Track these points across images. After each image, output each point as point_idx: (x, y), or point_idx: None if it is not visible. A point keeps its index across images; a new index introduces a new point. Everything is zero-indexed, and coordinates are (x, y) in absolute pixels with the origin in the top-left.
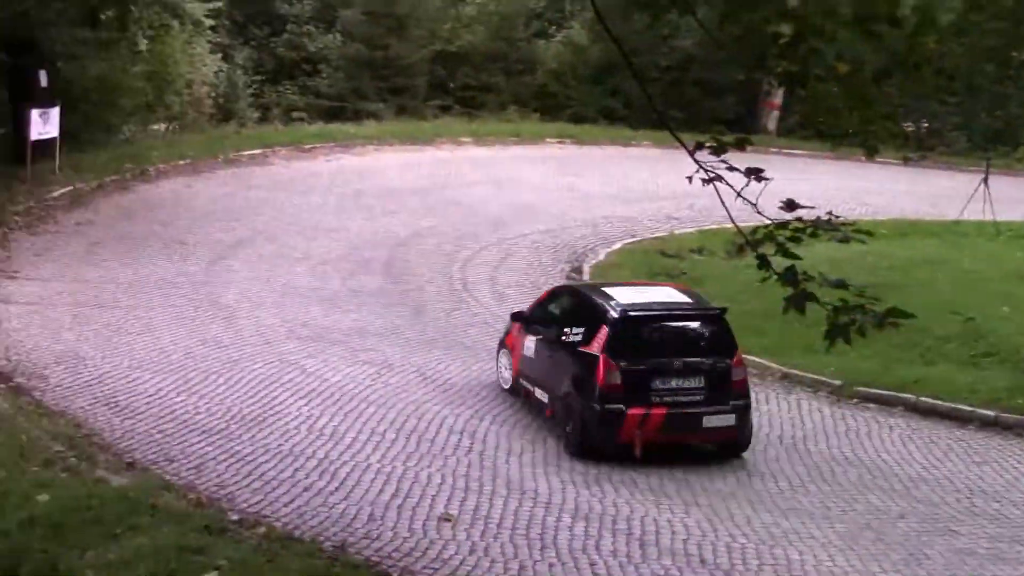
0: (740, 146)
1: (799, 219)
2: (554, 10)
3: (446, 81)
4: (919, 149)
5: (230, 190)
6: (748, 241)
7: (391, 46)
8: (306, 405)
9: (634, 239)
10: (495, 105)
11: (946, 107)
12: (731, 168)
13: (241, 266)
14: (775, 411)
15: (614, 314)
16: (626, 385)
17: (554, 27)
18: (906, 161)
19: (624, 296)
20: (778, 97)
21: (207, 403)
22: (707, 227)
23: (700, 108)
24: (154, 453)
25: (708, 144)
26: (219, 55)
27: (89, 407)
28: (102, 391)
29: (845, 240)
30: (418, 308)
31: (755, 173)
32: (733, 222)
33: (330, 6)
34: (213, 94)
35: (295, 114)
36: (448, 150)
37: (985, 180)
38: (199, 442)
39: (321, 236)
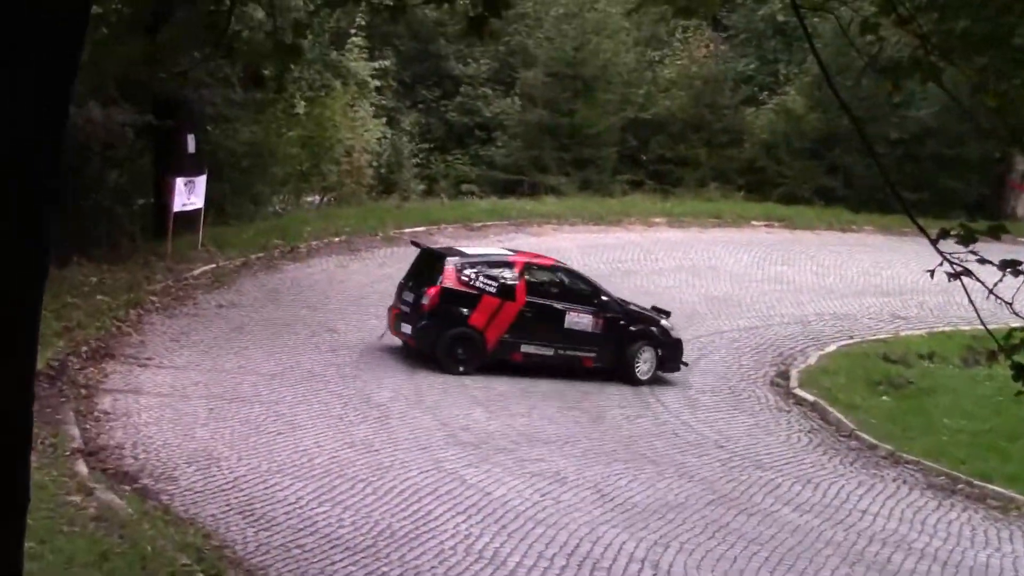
0: (994, 234)
1: None
2: (766, 73)
3: (638, 153)
4: None
5: (388, 271)
6: (1001, 347)
7: (577, 112)
8: (464, 522)
9: (852, 340)
10: (693, 181)
11: None
12: (982, 260)
13: (397, 359)
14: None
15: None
16: (397, 291)
17: (765, 92)
18: None
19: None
20: None
21: (352, 515)
22: (939, 329)
23: (935, 189)
24: (291, 571)
25: (954, 232)
26: (383, 120)
27: (221, 515)
28: (236, 497)
29: None
30: (597, 414)
31: (1012, 266)
32: (983, 324)
33: (509, 66)
34: (375, 163)
35: (464, 187)
36: (637, 231)
37: None
38: (342, 560)
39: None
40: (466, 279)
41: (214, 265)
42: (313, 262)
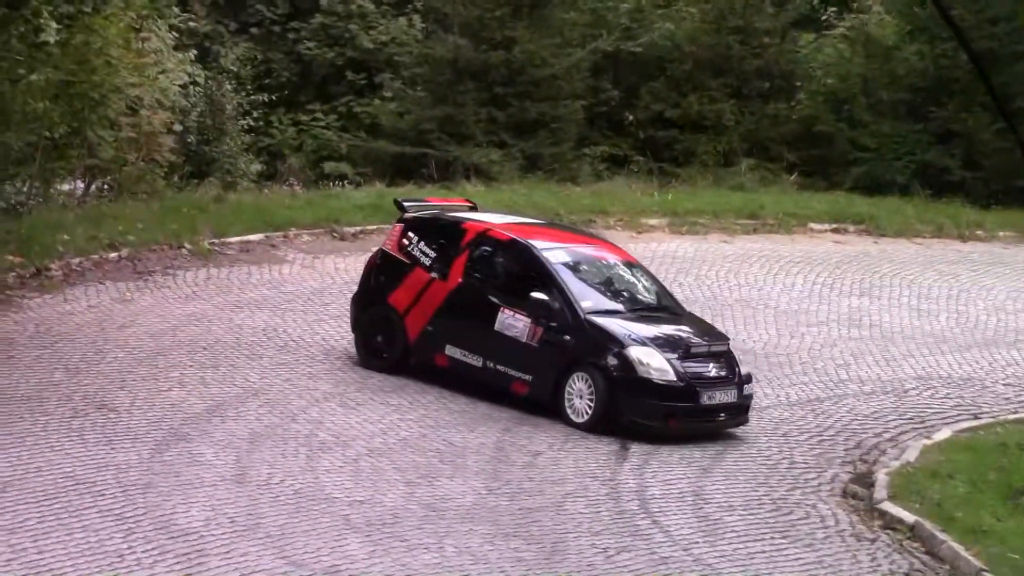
0: None
1: None
2: None
3: (619, 111)
4: None
5: (199, 308)
6: None
7: (518, 41)
8: None
9: (977, 421)
10: (712, 158)
11: None
12: None
13: (216, 451)
14: None
15: None
16: None
17: (831, 11)
18: None
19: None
20: None
21: None
22: None
23: None
24: None
25: None
26: (191, 54)
27: None
28: None
29: None
30: (552, 545)
31: None
32: None
33: None
34: (177, 126)
35: (330, 166)
36: (619, 240)
37: None
38: None
39: (371, 401)
40: (406, 242)
41: None
42: (74, 293)
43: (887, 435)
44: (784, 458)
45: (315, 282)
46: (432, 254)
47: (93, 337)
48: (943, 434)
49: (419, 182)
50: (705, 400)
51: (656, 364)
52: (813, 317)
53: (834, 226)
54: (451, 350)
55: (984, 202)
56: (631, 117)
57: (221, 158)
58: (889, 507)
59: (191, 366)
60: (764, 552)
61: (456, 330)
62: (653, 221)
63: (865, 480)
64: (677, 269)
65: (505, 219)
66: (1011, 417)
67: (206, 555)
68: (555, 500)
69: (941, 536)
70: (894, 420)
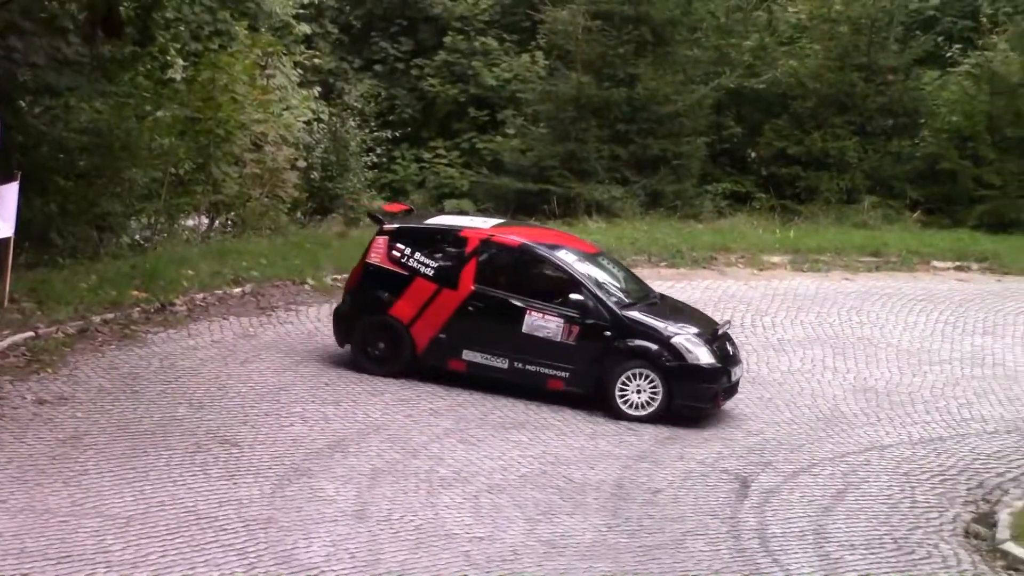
0: None
1: None
2: (958, 13)
3: (742, 148)
4: None
5: (321, 343)
6: None
7: (640, 78)
8: None
9: None
10: (835, 195)
11: None
12: None
13: (336, 486)
14: None
15: None
16: None
17: (957, 47)
18: None
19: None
20: None
21: None
22: None
23: None
24: None
25: None
26: (315, 91)
27: None
28: None
29: None
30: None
31: None
32: None
33: (527, 1)
34: (301, 162)
35: (451, 203)
36: (741, 278)
37: None
38: None
39: (492, 437)
40: (397, 255)
41: (31, 334)
42: (197, 328)
43: (1010, 475)
44: (906, 497)
45: None
46: (434, 264)
47: (217, 372)
48: None
49: (540, 218)
50: (734, 377)
51: (701, 351)
52: (936, 356)
53: (957, 264)
54: (469, 354)
55: None
56: (753, 154)
57: (344, 194)
58: (1012, 547)
59: (313, 401)
60: None
61: (474, 335)
62: (775, 259)
63: (988, 520)
64: (799, 307)
65: (474, 222)
66: None
67: None
68: (675, 538)
69: None
70: (1017, 460)
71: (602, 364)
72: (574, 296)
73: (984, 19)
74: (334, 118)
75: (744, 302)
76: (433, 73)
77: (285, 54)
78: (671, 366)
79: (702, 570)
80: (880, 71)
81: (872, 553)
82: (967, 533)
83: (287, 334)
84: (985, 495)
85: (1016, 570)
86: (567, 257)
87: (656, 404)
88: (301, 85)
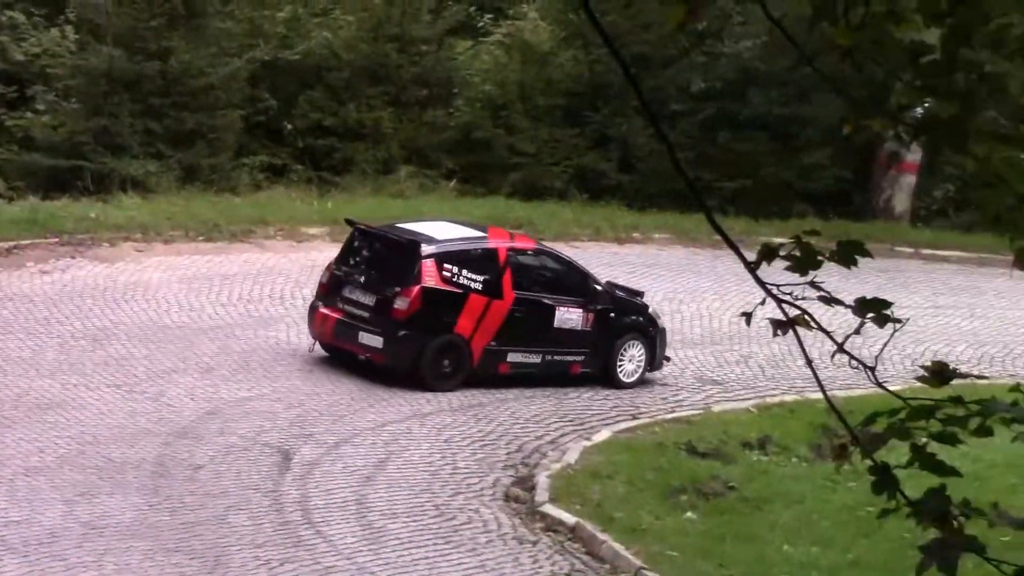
0: (850, 257)
1: (957, 399)
2: None
3: (278, 120)
4: None
5: None
6: (856, 437)
7: (174, 51)
8: None
9: (634, 421)
10: (372, 166)
11: None
12: (829, 299)
13: None
14: None
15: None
16: (328, 287)
17: (488, 17)
18: None
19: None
20: (915, 153)
21: None
22: (776, 398)
23: (764, 174)
24: None
25: (786, 250)
26: None
27: None
28: None
29: None
30: (215, 559)
31: (874, 310)
32: (828, 400)
33: None
34: None
35: None
36: (281, 251)
37: None
38: None
39: (27, 418)
40: (448, 274)
41: None
42: None
43: (548, 438)
44: (447, 464)
45: None
46: (480, 278)
47: None
48: (603, 435)
49: (75, 195)
50: None
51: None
52: None
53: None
54: (513, 356)
55: (640, 204)
56: (289, 126)
57: None
58: (550, 509)
59: None
60: (427, 558)
61: (516, 338)
62: (313, 230)
63: (527, 483)
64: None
65: (457, 231)
66: (668, 417)
67: None
68: (217, 513)
69: (601, 536)
70: (555, 423)
71: (609, 342)
72: (597, 286)
73: None
74: None
75: (283, 275)
76: None
77: None
78: (653, 333)
79: (244, 544)
80: (413, 42)
81: (414, 520)
82: (507, 497)
83: None
84: (524, 459)
85: (555, 531)
86: (563, 251)
87: (642, 368)
88: None
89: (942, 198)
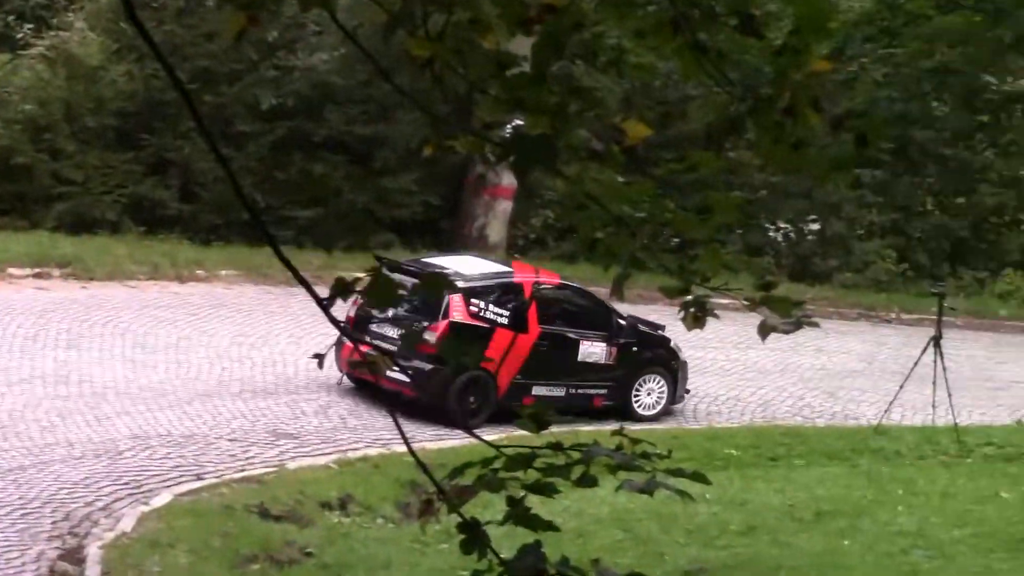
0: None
1: (557, 445)
2: None
3: None
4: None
5: None
6: (443, 491)
7: None
8: None
9: (200, 483)
10: None
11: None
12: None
13: None
14: None
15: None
16: (356, 321)
17: (26, 28)
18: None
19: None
20: (511, 177)
21: None
22: (362, 451)
23: (342, 200)
24: None
25: (362, 284)
26: None
27: None
28: None
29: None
30: None
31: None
32: (411, 451)
33: None
34: None
35: None
36: None
37: (936, 341)
38: None
39: None
40: (476, 309)
41: None
42: None
43: (100, 503)
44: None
45: None
46: (506, 312)
47: None
48: (163, 499)
49: None
50: None
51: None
52: (14, 374)
53: (36, 270)
54: (537, 389)
55: (204, 237)
56: None
57: None
58: None
59: None
60: None
61: (541, 371)
62: None
63: (76, 556)
64: None
65: (484, 265)
66: (237, 476)
67: None
68: None
69: None
70: (108, 486)
71: (630, 375)
72: (615, 320)
73: None
74: None
75: None
76: None
77: None
78: (675, 366)
79: None
80: None
81: None
82: (52, 572)
83: None
84: (72, 528)
85: None
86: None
87: (663, 403)
88: None
89: (541, 226)
